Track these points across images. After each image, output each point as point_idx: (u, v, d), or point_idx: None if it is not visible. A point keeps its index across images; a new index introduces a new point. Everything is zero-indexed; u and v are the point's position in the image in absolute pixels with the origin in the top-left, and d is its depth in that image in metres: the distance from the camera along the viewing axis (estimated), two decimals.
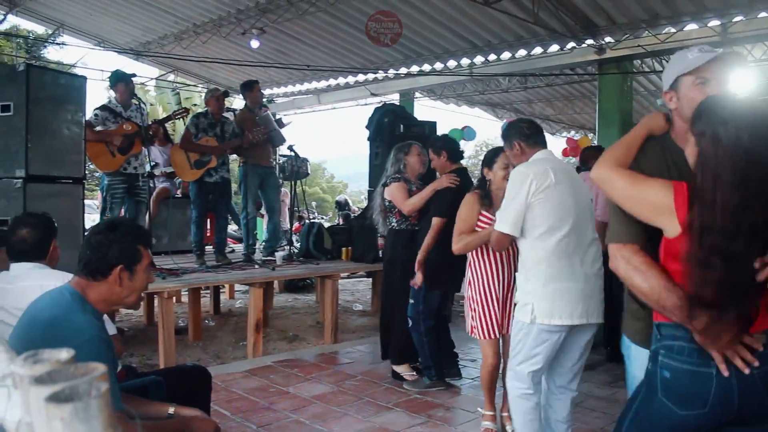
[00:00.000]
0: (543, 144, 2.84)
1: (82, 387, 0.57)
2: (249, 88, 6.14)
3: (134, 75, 5.43)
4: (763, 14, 5.97)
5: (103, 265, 1.80)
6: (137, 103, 5.32)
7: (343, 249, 6.18)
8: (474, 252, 3.32)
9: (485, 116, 13.13)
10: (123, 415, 1.61)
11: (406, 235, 4.29)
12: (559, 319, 2.53)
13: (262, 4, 7.36)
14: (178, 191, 6.93)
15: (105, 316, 1.94)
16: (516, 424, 2.76)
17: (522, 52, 7.71)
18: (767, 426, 1.50)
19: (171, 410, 2.08)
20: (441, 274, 3.92)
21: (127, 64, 9.52)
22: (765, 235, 1.38)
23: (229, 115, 6.00)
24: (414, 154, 4.31)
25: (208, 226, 6.33)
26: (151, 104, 16.41)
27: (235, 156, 6.19)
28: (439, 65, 8.49)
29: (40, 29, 13.30)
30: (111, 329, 2.24)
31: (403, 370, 4.30)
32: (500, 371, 3.35)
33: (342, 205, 12.49)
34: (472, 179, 4.06)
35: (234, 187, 6.86)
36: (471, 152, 26.81)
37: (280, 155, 7.27)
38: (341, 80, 10.22)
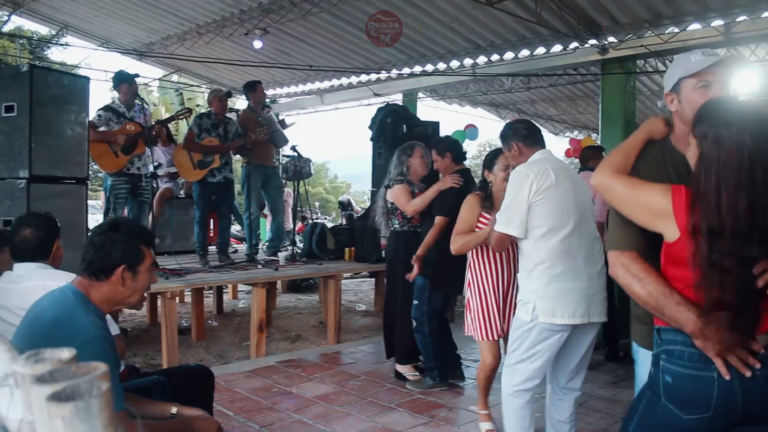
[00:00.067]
0: (541, 144, 2.83)
1: (83, 386, 0.57)
2: (252, 88, 6.16)
3: (137, 75, 5.45)
4: (766, 14, 5.94)
5: (106, 265, 1.80)
6: (140, 103, 5.34)
7: (346, 249, 6.19)
8: (474, 253, 3.32)
9: (488, 116, 13.12)
10: (125, 414, 1.61)
11: (408, 237, 4.29)
12: (561, 318, 2.53)
13: (265, 4, 7.36)
14: (182, 191, 6.95)
15: (108, 316, 1.94)
16: (505, 421, 2.76)
17: (525, 53, 7.69)
18: None
19: (174, 410, 2.09)
20: (445, 275, 3.92)
21: (130, 65, 9.53)
22: None
23: (232, 116, 6.02)
24: (417, 156, 4.31)
25: (211, 227, 6.34)
26: (155, 105, 16.47)
27: (238, 156, 6.20)
28: (442, 65, 8.47)
29: (43, 30, 13.32)
30: (114, 329, 2.24)
31: (406, 370, 4.30)
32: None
33: (345, 206, 12.49)
34: (475, 180, 4.06)
35: (237, 187, 6.88)
36: (474, 152, 26.72)
37: (284, 155, 7.27)
38: (344, 80, 10.22)
